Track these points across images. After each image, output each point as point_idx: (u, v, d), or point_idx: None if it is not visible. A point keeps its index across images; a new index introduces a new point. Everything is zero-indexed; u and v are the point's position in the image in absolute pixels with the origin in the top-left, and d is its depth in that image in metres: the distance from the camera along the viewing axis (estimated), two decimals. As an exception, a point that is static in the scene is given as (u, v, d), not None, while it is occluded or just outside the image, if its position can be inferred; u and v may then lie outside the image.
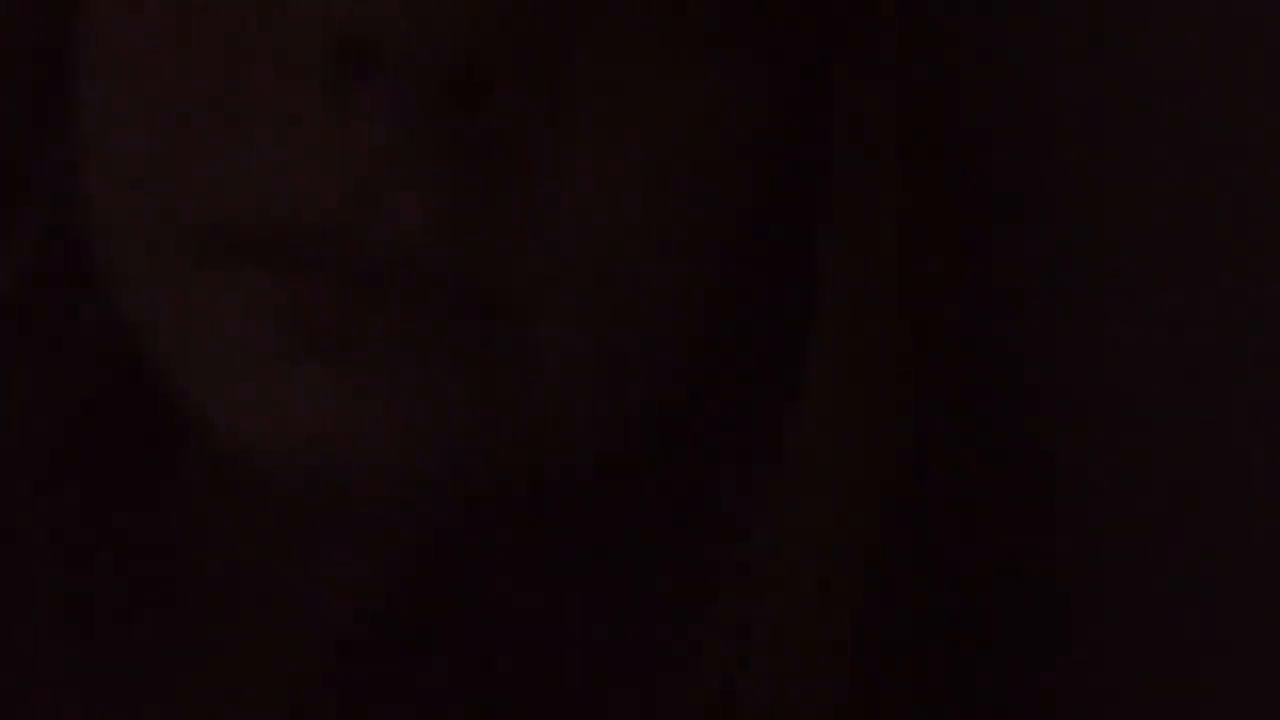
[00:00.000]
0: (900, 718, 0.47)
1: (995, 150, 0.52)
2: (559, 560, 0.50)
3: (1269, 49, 0.54)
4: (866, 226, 0.47)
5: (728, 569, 0.48)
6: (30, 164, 0.49)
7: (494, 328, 0.44)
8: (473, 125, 0.43)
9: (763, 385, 0.49)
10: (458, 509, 0.48)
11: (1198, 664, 0.54)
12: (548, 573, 0.50)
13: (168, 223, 0.45)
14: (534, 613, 0.50)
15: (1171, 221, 0.54)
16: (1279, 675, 0.53)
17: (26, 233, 0.49)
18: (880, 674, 0.47)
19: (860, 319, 0.47)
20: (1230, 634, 0.54)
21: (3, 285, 0.50)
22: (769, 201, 0.48)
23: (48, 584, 0.51)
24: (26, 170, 0.49)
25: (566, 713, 0.49)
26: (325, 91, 0.43)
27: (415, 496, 0.46)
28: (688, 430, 0.49)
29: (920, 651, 0.48)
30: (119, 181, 0.46)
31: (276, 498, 0.48)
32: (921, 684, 0.48)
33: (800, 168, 0.48)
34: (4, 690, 0.50)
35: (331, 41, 0.43)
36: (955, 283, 0.48)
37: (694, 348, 0.47)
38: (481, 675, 0.49)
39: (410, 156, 0.43)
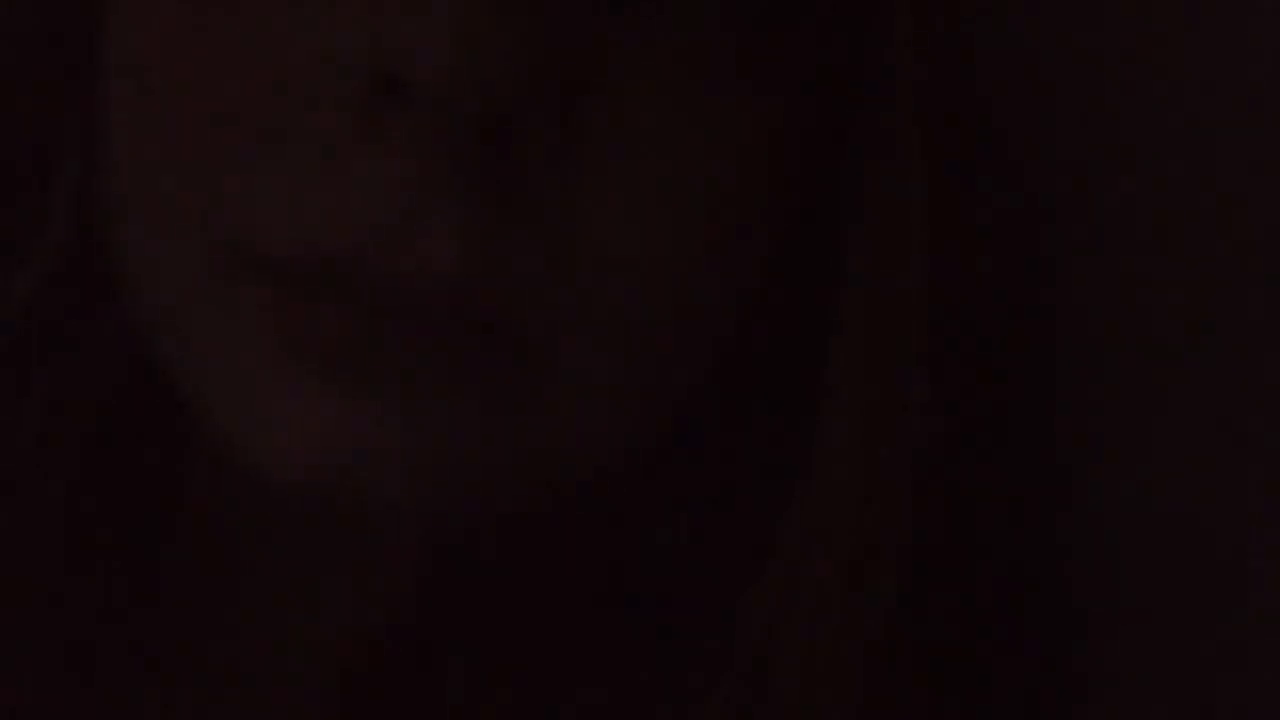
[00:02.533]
0: None
1: (1020, 159, 0.52)
2: (578, 581, 0.50)
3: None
4: (891, 238, 0.47)
5: (751, 586, 0.48)
6: (57, 169, 0.49)
7: (511, 358, 0.44)
8: (500, 161, 0.43)
9: (786, 399, 0.49)
10: (470, 532, 0.49)
11: (1219, 670, 0.54)
12: (565, 594, 0.50)
13: (194, 237, 0.45)
14: (551, 634, 0.50)
15: (1200, 223, 0.54)
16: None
17: (52, 237, 0.49)
18: (907, 682, 0.48)
19: (885, 329, 0.47)
20: (1256, 641, 0.54)
21: (27, 288, 0.49)
22: (790, 222, 0.48)
23: (58, 588, 0.51)
24: (53, 175, 0.49)
25: None
26: (358, 123, 0.43)
27: (427, 521, 0.47)
28: (711, 445, 0.50)
29: (947, 659, 0.48)
30: (148, 193, 0.46)
31: (287, 515, 0.48)
32: (947, 691, 0.48)
33: (822, 184, 0.48)
34: (12, 693, 0.50)
35: (367, 76, 0.43)
36: (981, 292, 0.49)
37: (714, 369, 0.48)
38: (494, 697, 0.50)
39: (439, 190, 0.43)
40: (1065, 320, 0.54)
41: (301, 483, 0.44)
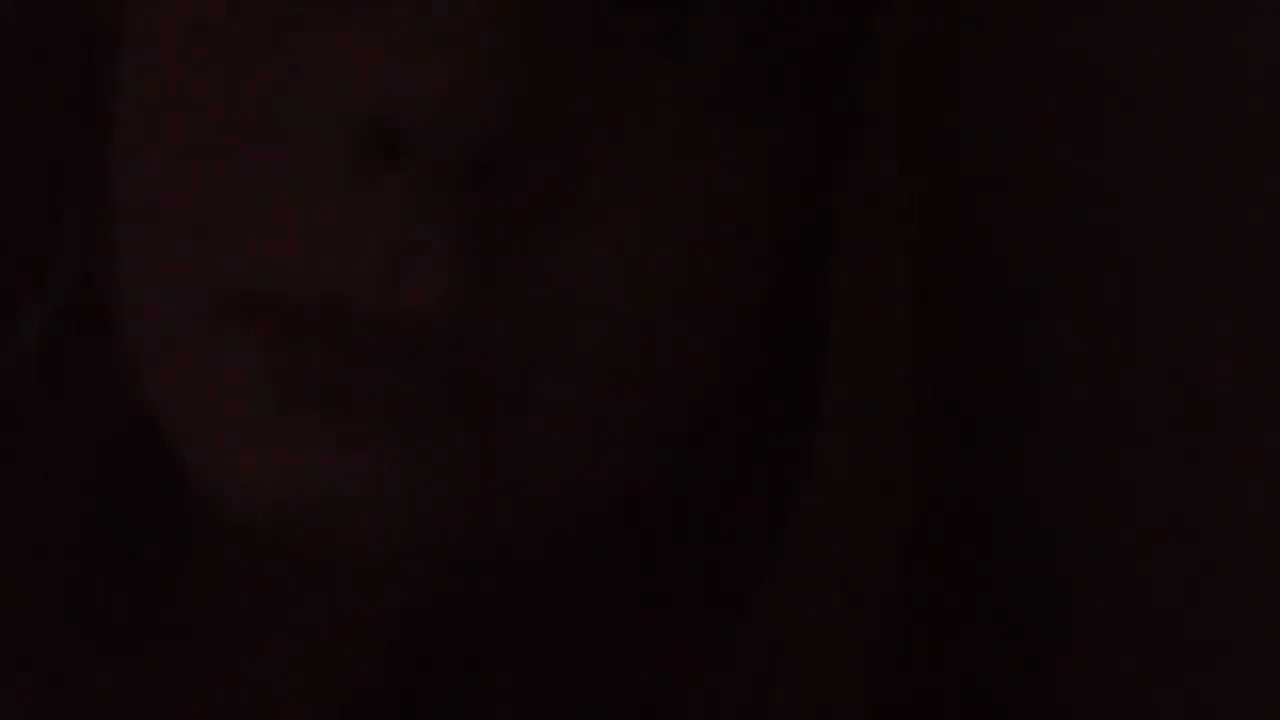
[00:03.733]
0: None
1: (1003, 201, 0.53)
2: (576, 612, 0.51)
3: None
4: (879, 274, 0.48)
5: (750, 615, 0.49)
6: (62, 217, 0.50)
7: (493, 402, 0.45)
8: (490, 208, 0.44)
9: (779, 428, 0.49)
10: (464, 572, 0.49)
11: (1218, 678, 0.54)
12: (562, 626, 0.51)
13: (187, 279, 0.46)
14: (547, 670, 0.50)
15: (1199, 228, 0.55)
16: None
17: (56, 284, 0.50)
18: (904, 707, 0.48)
19: (875, 355, 0.48)
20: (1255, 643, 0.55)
21: (31, 335, 0.50)
22: (782, 265, 0.48)
23: (54, 628, 0.51)
24: (59, 223, 0.50)
25: None
26: (352, 169, 0.44)
27: (407, 561, 0.47)
28: (704, 477, 0.50)
29: (948, 687, 0.49)
30: (144, 235, 0.47)
31: (278, 559, 0.49)
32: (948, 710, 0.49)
33: (812, 225, 0.48)
34: None
35: (358, 127, 0.44)
36: (966, 322, 0.49)
37: (702, 412, 0.48)
38: None
39: (429, 237, 0.44)
40: (1052, 326, 0.55)
41: (286, 523, 0.45)
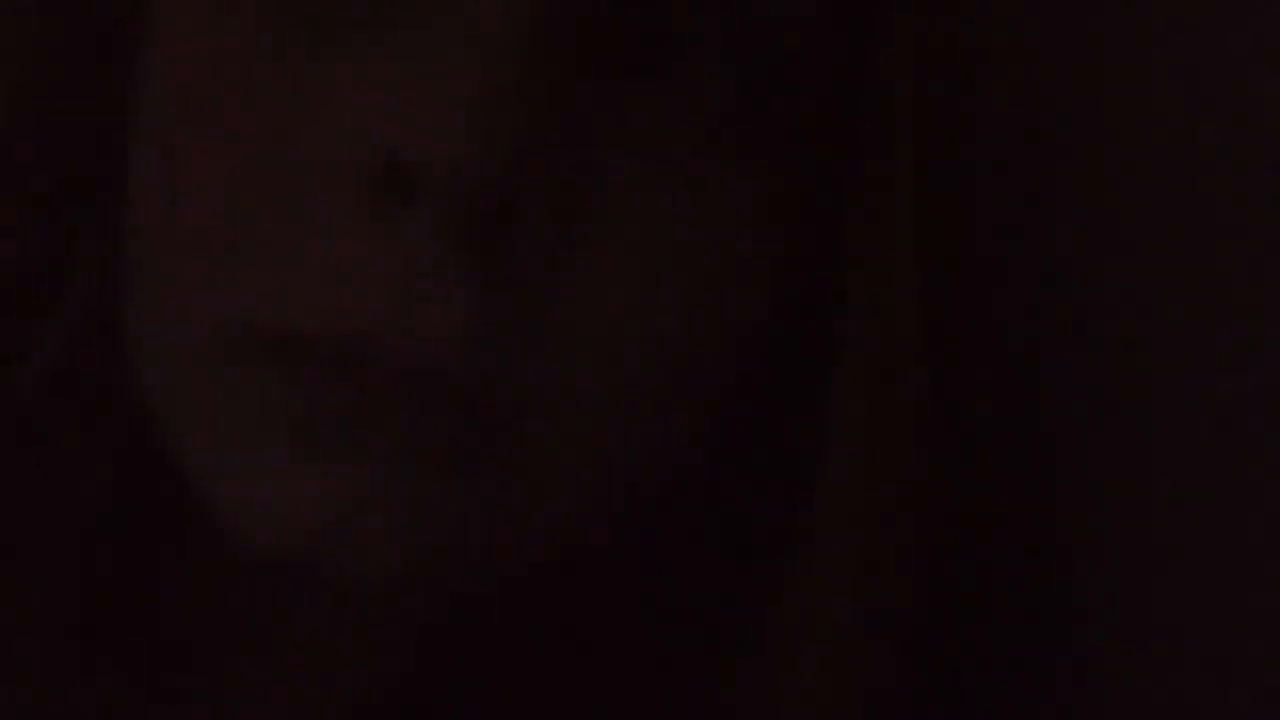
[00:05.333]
0: None
1: (1011, 221, 0.53)
2: (582, 637, 0.51)
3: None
4: (887, 294, 0.48)
5: (752, 640, 0.49)
6: (77, 245, 0.50)
7: (505, 433, 0.45)
8: (504, 246, 0.44)
9: (785, 450, 0.50)
10: (464, 598, 0.49)
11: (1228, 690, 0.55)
12: (568, 652, 0.51)
13: (202, 314, 0.46)
14: (554, 694, 0.51)
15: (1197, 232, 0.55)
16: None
17: (70, 312, 0.50)
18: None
19: (883, 383, 0.48)
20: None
21: (44, 361, 0.50)
22: (787, 289, 0.49)
23: (64, 656, 0.52)
24: (74, 251, 0.50)
25: None
26: (364, 210, 0.44)
27: (420, 589, 0.47)
28: (709, 502, 0.50)
29: (957, 699, 0.49)
30: (159, 270, 0.47)
31: (287, 588, 0.49)
32: None
33: (816, 249, 0.49)
34: None
35: (375, 167, 0.44)
36: (974, 342, 0.49)
37: (710, 435, 0.49)
38: None
39: (443, 275, 0.44)
40: (1060, 344, 0.55)
41: (299, 554, 0.45)
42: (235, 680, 0.52)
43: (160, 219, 0.47)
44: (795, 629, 0.48)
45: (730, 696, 0.49)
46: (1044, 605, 0.54)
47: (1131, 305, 0.55)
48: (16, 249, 0.50)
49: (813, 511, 0.48)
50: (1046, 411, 0.55)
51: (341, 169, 0.45)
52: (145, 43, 0.48)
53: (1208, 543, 0.55)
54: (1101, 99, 0.55)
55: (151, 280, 0.47)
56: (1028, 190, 0.54)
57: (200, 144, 0.46)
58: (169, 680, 0.52)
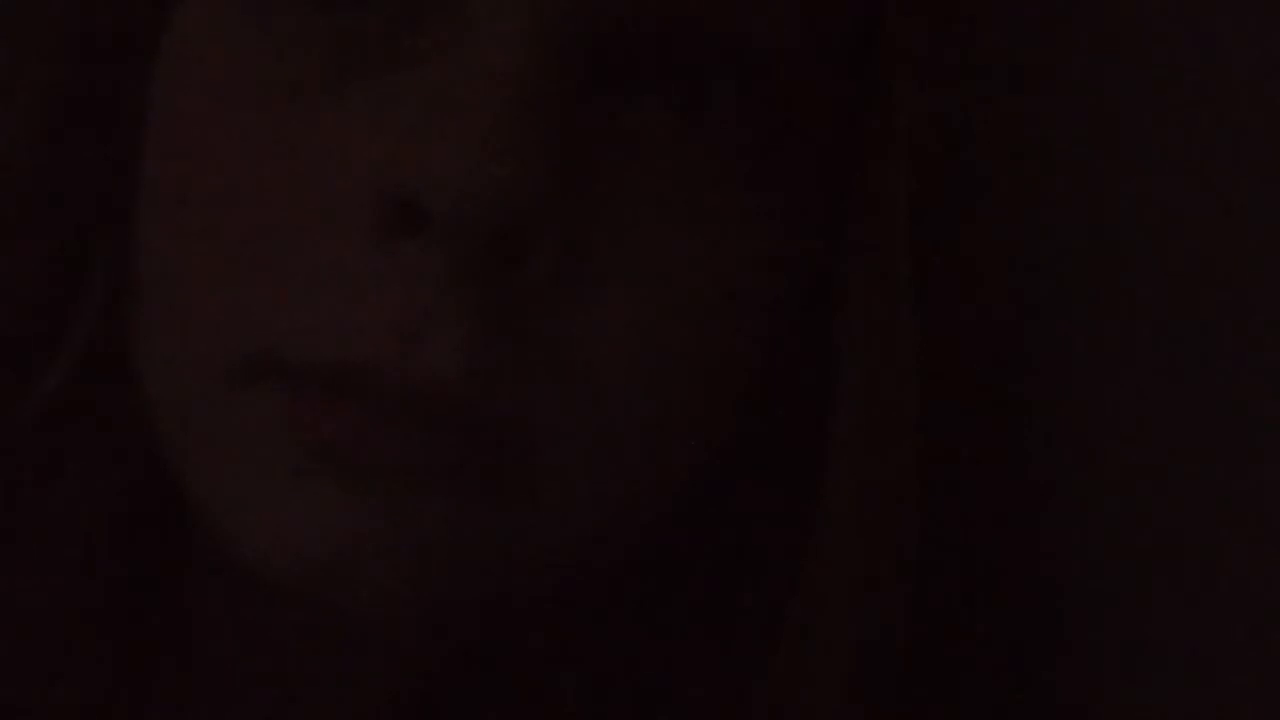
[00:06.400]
0: None
1: (1005, 244, 0.53)
2: (575, 667, 0.51)
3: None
4: (886, 321, 0.49)
5: (758, 668, 0.50)
6: (87, 270, 0.51)
7: (507, 463, 0.46)
8: (509, 278, 0.45)
9: (785, 481, 0.50)
10: (465, 625, 0.50)
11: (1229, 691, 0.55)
12: (561, 681, 0.51)
13: (211, 342, 0.47)
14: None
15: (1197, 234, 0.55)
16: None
17: (76, 343, 0.51)
18: None
19: (881, 408, 0.49)
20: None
21: (51, 391, 0.51)
22: (788, 321, 0.49)
23: (65, 679, 0.52)
24: (80, 281, 0.51)
25: None
26: (370, 241, 0.45)
27: (421, 615, 0.48)
28: (710, 529, 0.51)
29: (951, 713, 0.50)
30: (169, 297, 0.48)
31: (291, 616, 0.50)
32: None
33: (817, 278, 0.49)
34: None
35: (382, 201, 0.45)
36: (971, 363, 0.50)
37: (710, 463, 0.49)
38: None
39: (448, 306, 0.45)
40: (1057, 363, 0.55)
41: (302, 581, 0.46)
42: (237, 705, 0.52)
43: (168, 251, 0.47)
44: (799, 647, 0.49)
45: (738, 715, 0.50)
46: (1042, 614, 0.54)
47: (1129, 313, 0.55)
48: (23, 280, 0.51)
49: (814, 530, 0.49)
50: (1043, 427, 0.55)
51: (351, 205, 0.45)
52: (157, 76, 0.48)
53: (1208, 545, 0.55)
54: (1101, 115, 0.55)
55: (158, 310, 0.48)
56: (1028, 219, 0.54)
57: (210, 178, 0.46)
58: (167, 701, 0.52)
